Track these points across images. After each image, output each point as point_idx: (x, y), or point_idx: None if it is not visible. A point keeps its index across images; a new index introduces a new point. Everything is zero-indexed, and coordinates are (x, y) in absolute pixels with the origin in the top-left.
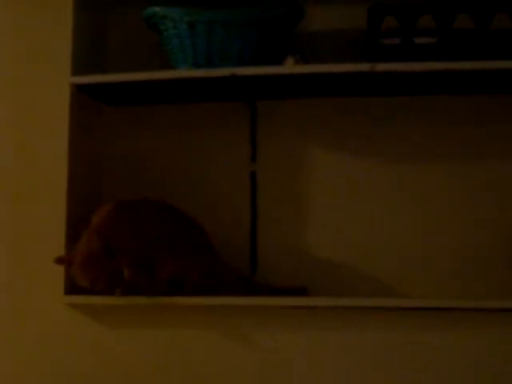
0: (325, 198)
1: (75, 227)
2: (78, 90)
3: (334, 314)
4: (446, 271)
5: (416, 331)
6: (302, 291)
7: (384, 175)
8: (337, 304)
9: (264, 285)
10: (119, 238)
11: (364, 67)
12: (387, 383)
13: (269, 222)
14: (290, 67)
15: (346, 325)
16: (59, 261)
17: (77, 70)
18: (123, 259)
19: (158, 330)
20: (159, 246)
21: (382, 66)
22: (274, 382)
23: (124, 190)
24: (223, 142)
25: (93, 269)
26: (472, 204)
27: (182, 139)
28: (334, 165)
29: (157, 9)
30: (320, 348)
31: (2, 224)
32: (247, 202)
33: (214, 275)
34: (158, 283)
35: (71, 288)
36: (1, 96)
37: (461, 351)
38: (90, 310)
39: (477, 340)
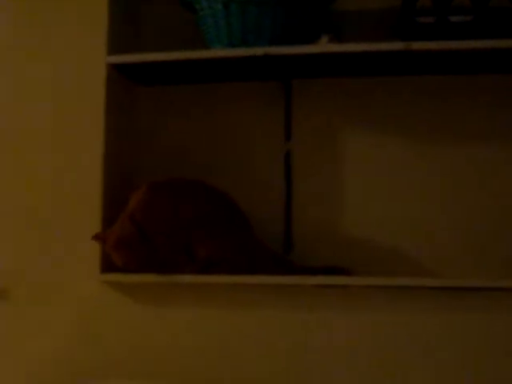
0: (359, 177)
1: (111, 206)
2: (114, 70)
3: (369, 294)
4: (483, 251)
5: (454, 311)
6: (341, 271)
7: (419, 153)
8: (373, 283)
9: (301, 266)
10: (153, 220)
11: (399, 46)
12: (424, 363)
13: (303, 201)
14: (323, 46)
15: (381, 305)
16: (96, 238)
17: (113, 49)
18: (159, 240)
19: (193, 309)
20: (195, 226)
21: (417, 45)
22: (308, 362)
23: (159, 169)
24: (258, 121)
25: (125, 252)
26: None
27: (217, 119)
28: (368, 143)
29: None
30: (356, 328)
31: (40, 203)
32: (282, 181)
33: (251, 256)
34: (194, 263)
35: (107, 266)
36: (38, 76)
37: (498, 331)
38: (125, 287)
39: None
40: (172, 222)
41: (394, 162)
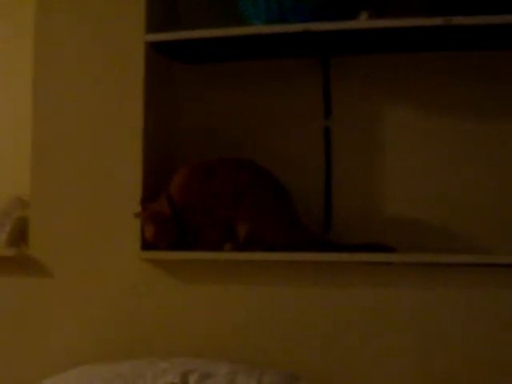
0: (399, 154)
1: (151, 184)
2: (153, 48)
3: (410, 271)
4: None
5: (498, 287)
6: (385, 248)
7: (457, 129)
8: (418, 260)
9: (343, 244)
10: (192, 200)
11: (439, 21)
12: (467, 341)
13: (343, 179)
14: (363, 22)
15: (421, 282)
16: (137, 215)
17: (151, 27)
18: (198, 220)
19: (233, 285)
20: (236, 205)
21: (456, 20)
22: (351, 339)
23: (198, 147)
24: (297, 98)
25: (155, 227)
26: None
27: (256, 96)
28: (406, 119)
29: None
30: (397, 305)
31: (82, 184)
32: (321, 158)
33: (291, 235)
34: (234, 241)
35: (147, 244)
36: (73, 55)
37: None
38: (166, 265)
39: None
40: (211, 201)
41: (433, 138)
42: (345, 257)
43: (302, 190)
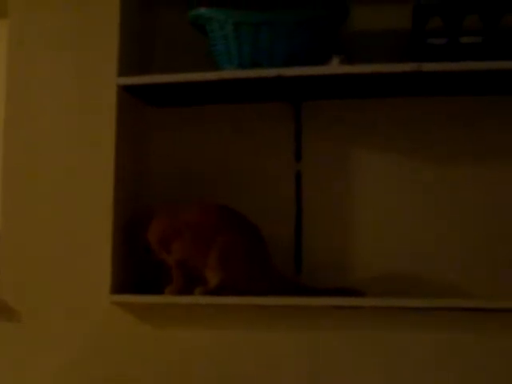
0: (369, 198)
1: (122, 227)
2: (125, 91)
3: (380, 315)
4: (497, 271)
5: (469, 332)
6: (354, 293)
7: (430, 175)
8: (386, 304)
9: (314, 287)
10: (162, 243)
11: (410, 67)
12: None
13: (314, 222)
14: (335, 67)
15: (392, 325)
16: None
17: (123, 70)
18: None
19: (203, 330)
20: (207, 251)
21: (427, 66)
22: (324, 383)
23: (171, 192)
24: (268, 142)
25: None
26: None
27: (228, 140)
28: (378, 165)
29: (203, 10)
30: (367, 348)
31: (50, 224)
32: (292, 202)
33: (264, 283)
34: (205, 287)
35: (117, 287)
36: (47, 97)
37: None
38: (135, 308)
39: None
40: (182, 247)
41: (405, 183)
42: (316, 301)
43: (273, 233)
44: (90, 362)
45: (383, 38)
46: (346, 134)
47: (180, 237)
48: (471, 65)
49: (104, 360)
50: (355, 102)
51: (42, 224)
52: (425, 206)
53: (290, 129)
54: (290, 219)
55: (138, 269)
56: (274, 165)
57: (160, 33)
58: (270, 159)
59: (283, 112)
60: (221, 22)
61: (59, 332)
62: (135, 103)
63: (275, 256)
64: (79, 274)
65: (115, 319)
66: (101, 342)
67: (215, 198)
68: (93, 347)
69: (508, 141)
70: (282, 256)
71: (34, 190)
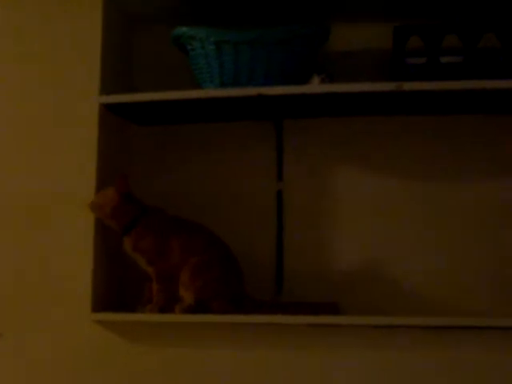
0: (351, 217)
1: (103, 244)
2: (107, 109)
3: (360, 333)
4: (471, 287)
5: (446, 349)
6: (332, 308)
7: (411, 194)
8: (364, 323)
9: (292, 303)
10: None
11: (390, 86)
12: None
13: (295, 241)
14: (315, 86)
15: (372, 343)
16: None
17: (105, 89)
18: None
19: (183, 348)
20: (182, 269)
21: (408, 85)
22: None
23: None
24: (250, 160)
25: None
26: (496, 222)
27: (209, 159)
28: (359, 183)
29: (184, 29)
30: (344, 366)
31: (31, 243)
32: (273, 220)
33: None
34: (180, 304)
35: (98, 305)
36: (30, 116)
37: (494, 369)
38: (116, 327)
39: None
40: (161, 262)
41: (387, 202)
42: (291, 319)
43: (254, 252)
44: (72, 380)
45: (364, 57)
46: (327, 152)
47: (164, 254)
48: (451, 84)
49: (85, 378)
50: (336, 121)
51: (22, 241)
52: (406, 224)
53: (271, 147)
54: (270, 238)
55: (120, 286)
56: (255, 183)
57: (142, 51)
58: (251, 178)
59: (264, 131)
60: (202, 40)
61: (40, 350)
62: (117, 121)
63: (256, 275)
64: (60, 292)
65: (96, 337)
66: (82, 360)
67: (196, 217)
68: (74, 365)
69: (486, 158)
70: (263, 275)
71: (13, 208)
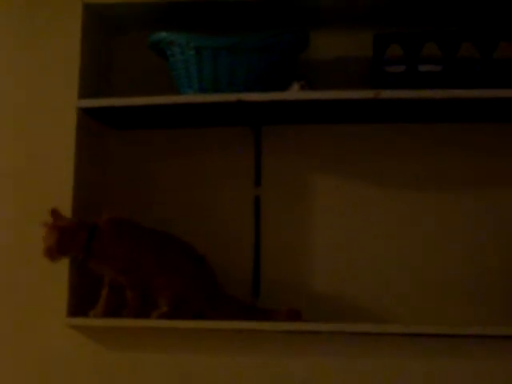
0: (329, 223)
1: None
2: (85, 114)
3: (338, 340)
4: (448, 298)
5: (413, 357)
6: (295, 314)
7: (388, 201)
8: (336, 329)
9: (260, 309)
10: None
11: (368, 94)
12: None
13: (272, 247)
14: (295, 93)
15: (345, 351)
16: (53, 212)
17: (84, 93)
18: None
19: (158, 353)
20: (156, 275)
21: (386, 93)
22: None
23: (128, 213)
24: (228, 166)
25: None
26: (472, 231)
27: (187, 164)
28: (337, 190)
29: (164, 34)
30: (317, 374)
31: (6, 245)
32: (251, 226)
33: (211, 302)
34: (155, 310)
35: (73, 310)
36: (8, 119)
37: (462, 378)
38: (91, 332)
39: (480, 367)
40: (133, 270)
41: (365, 208)
42: (267, 325)
43: (232, 258)
44: None
45: (344, 65)
46: (306, 159)
47: (135, 261)
48: (429, 93)
49: (60, 383)
50: (315, 128)
51: None
52: (385, 232)
53: (250, 153)
54: (248, 244)
55: (95, 291)
56: (233, 189)
57: (120, 56)
58: (230, 183)
59: (243, 136)
60: (181, 46)
61: (15, 354)
62: (95, 126)
63: (233, 281)
64: (35, 296)
65: (72, 342)
66: (57, 365)
67: (173, 222)
68: (49, 370)
69: (464, 168)
70: (241, 281)
71: None
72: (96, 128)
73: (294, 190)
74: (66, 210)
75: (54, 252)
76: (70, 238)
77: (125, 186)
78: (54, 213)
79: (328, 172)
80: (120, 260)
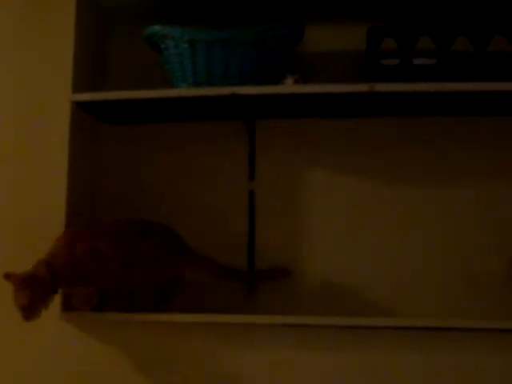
0: (323, 217)
1: None
2: (79, 108)
3: (334, 334)
4: (446, 292)
5: (415, 351)
6: (284, 272)
7: (382, 195)
8: (331, 323)
9: (243, 271)
10: (74, 266)
11: (362, 87)
12: None
13: (267, 241)
14: (289, 87)
15: (341, 344)
16: (6, 277)
17: (78, 87)
18: (79, 285)
19: (151, 346)
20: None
21: (380, 87)
22: None
23: (123, 208)
24: (222, 160)
25: (32, 291)
26: (471, 226)
27: (181, 157)
28: (331, 184)
29: (158, 28)
30: (313, 367)
31: (1, 242)
32: (245, 221)
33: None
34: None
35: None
36: (1, 112)
37: (458, 371)
38: (85, 325)
39: (476, 361)
40: (93, 269)
41: (359, 202)
42: (265, 319)
43: (226, 252)
44: (41, 379)
45: (338, 58)
46: (300, 153)
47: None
48: (423, 86)
49: (54, 376)
50: (309, 121)
51: None
52: (380, 225)
53: (244, 147)
54: (242, 238)
55: None
56: (227, 183)
57: (114, 50)
58: (224, 178)
59: (237, 130)
60: (176, 39)
61: (9, 348)
62: (89, 120)
63: None
64: None
65: (66, 336)
66: (51, 359)
67: (168, 216)
68: (43, 363)
69: (458, 161)
70: None
71: None
72: (90, 122)
73: (289, 184)
74: (60, 205)
75: (32, 309)
76: (32, 291)
77: (119, 180)
78: (7, 277)
79: (322, 166)
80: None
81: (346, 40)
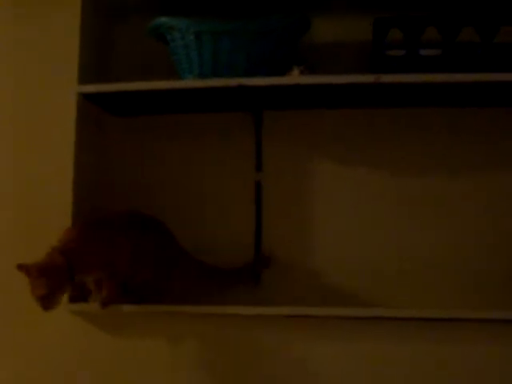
0: (330, 208)
1: None
2: (85, 99)
3: (339, 324)
4: (451, 284)
5: (416, 342)
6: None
7: (389, 186)
8: (332, 313)
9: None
10: (89, 257)
11: (368, 78)
12: None
13: (274, 232)
14: (295, 78)
15: (343, 335)
16: (20, 267)
17: (84, 79)
18: (96, 275)
19: (159, 337)
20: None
21: (386, 78)
22: None
23: (130, 201)
24: (229, 151)
25: (51, 280)
26: (473, 217)
27: (188, 149)
28: (338, 175)
29: (164, 19)
30: (316, 358)
31: (8, 234)
32: (252, 212)
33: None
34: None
35: (75, 296)
36: (8, 105)
37: (457, 362)
38: (93, 317)
39: (478, 351)
40: (108, 257)
41: (366, 193)
42: (270, 311)
43: (233, 244)
44: (49, 371)
45: (344, 49)
46: (307, 144)
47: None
48: (429, 77)
49: (63, 369)
50: (316, 112)
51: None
52: (386, 217)
53: (251, 139)
54: (249, 229)
55: None
56: (234, 175)
57: (121, 41)
58: (230, 169)
59: (244, 122)
60: (182, 31)
61: (17, 341)
62: (95, 112)
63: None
64: None
65: (74, 328)
66: (59, 351)
67: (174, 208)
68: (51, 356)
69: (464, 152)
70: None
71: None
72: (96, 114)
73: (295, 175)
74: (67, 196)
75: (51, 298)
76: (47, 279)
77: (125, 172)
78: (21, 267)
79: (329, 156)
80: (97, 263)
81: (352, 31)
